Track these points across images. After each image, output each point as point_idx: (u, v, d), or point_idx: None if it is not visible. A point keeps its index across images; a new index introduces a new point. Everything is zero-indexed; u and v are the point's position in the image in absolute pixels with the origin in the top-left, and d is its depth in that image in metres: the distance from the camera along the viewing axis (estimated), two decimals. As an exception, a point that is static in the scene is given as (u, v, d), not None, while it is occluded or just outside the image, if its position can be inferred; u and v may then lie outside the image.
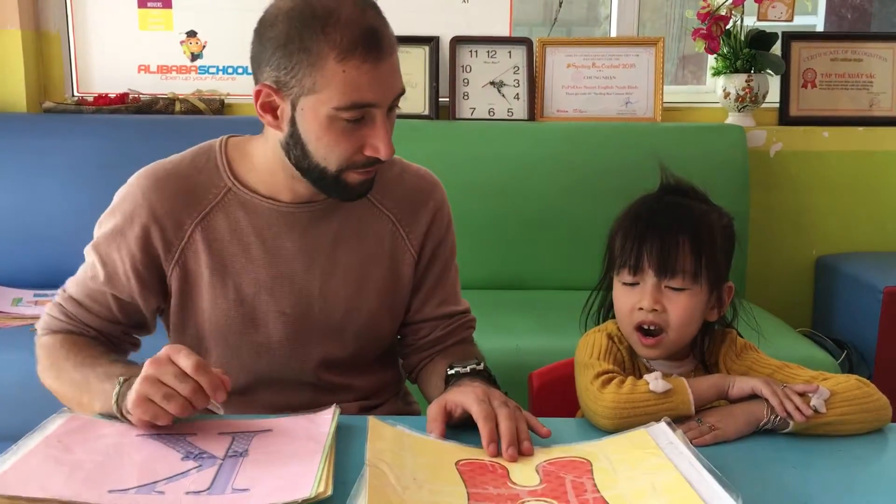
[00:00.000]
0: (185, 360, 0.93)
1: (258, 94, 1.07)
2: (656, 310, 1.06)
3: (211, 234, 1.15)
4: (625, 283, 1.10)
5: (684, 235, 1.06)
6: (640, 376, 1.04)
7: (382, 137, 1.06)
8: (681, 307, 1.06)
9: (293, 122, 1.06)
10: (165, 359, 0.94)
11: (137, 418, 0.95)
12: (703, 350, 1.13)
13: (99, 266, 1.15)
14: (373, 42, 1.02)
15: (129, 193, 1.15)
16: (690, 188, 1.14)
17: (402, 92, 1.08)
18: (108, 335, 1.18)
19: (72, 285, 1.18)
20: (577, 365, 1.10)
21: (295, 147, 1.08)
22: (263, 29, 1.06)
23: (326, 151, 1.07)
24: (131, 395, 0.94)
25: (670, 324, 1.07)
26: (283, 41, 1.02)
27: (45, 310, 1.20)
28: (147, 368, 0.94)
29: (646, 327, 1.08)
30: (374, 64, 1.02)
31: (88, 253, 1.17)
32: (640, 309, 1.07)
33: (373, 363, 1.28)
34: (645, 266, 1.07)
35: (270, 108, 1.08)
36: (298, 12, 1.02)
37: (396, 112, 1.11)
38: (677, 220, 1.08)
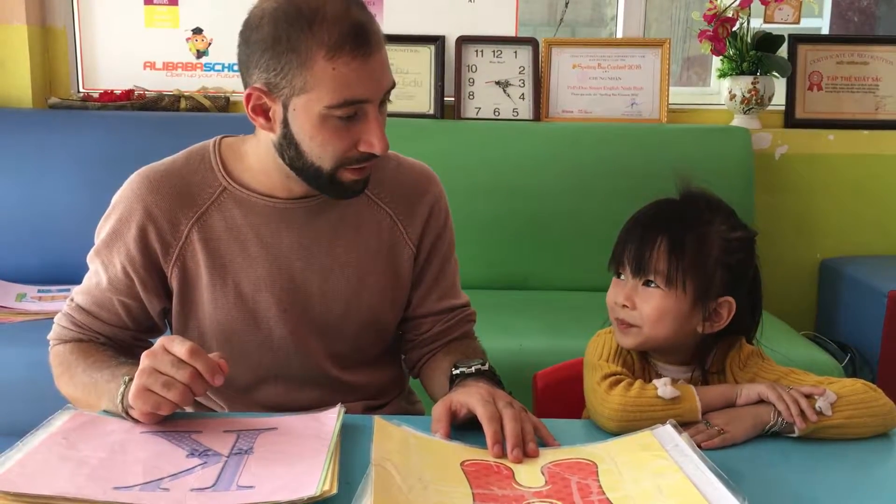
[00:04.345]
0: (180, 347, 0.93)
1: (249, 97, 1.06)
2: (626, 306, 1.08)
3: (208, 233, 1.15)
4: (615, 279, 1.12)
5: (664, 237, 1.06)
6: (649, 380, 1.03)
7: (376, 132, 1.06)
8: (651, 306, 1.07)
9: (286, 122, 1.06)
10: (160, 349, 0.95)
11: (139, 410, 0.95)
12: (705, 362, 1.11)
13: (102, 272, 1.16)
14: (361, 38, 1.01)
15: (124, 196, 1.15)
16: (705, 198, 1.12)
17: (393, 85, 1.08)
18: (119, 341, 1.19)
19: (79, 294, 1.19)
20: (586, 365, 1.10)
21: (289, 148, 1.08)
22: (249, 31, 1.05)
23: (321, 150, 1.06)
24: (131, 389, 0.95)
25: (643, 321, 1.07)
26: (271, 42, 1.02)
27: (55, 320, 1.20)
28: (144, 361, 0.95)
29: (620, 323, 1.10)
30: (364, 60, 1.02)
31: (91, 261, 1.18)
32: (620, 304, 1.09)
33: (376, 359, 1.28)
34: (625, 263, 1.09)
35: (262, 111, 1.07)
36: (283, 12, 1.01)
37: (388, 106, 1.10)
38: (663, 223, 1.08)
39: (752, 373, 1.10)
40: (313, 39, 1.00)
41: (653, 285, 1.07)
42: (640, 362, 1.12)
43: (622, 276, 1.10)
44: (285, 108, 1.05)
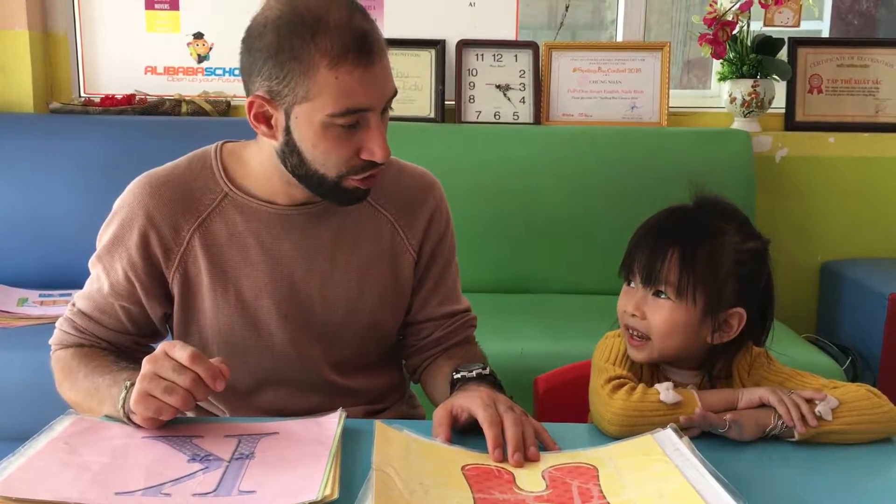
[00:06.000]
0: (181, 352, 0.94)
1: (251, 105, 1.06)
2: (636, 315, 1.07)
3: (209, 239, 1.15)
4: (625, 285, 1.11)
5: (675, 248, 1.05)
6: (657, 383, 1.03)
7: (378, 140, 1.05)
8: (661, 318, 1.06)
9: (288, 130, 1.06)
10: (162, 354, 0.95)
11: (141, 415, 0.95)
12: (713, 368, 1.10)
13: (103, 277, 1.16)
14: (363, 46, 1.01)
15: (126, 201, 1.15)
16: (719, 206, 1.10)
17: (395, 93, 1.08)
18: (120, 346, 1.19)
19: (80, 299, 1.19)
20: (593, 367, 1.10)
21: (291, 155, 1.08)
22: (252, 39, 1.05)
23: (324, 158, 1.06)
24: (133, 394, 0.95)
25: (652, 332, 1.07)
26: (274, 51, 1.01)
27: (56, 325, 1.20)
28: (145, 366, 0.95)
29: (630, 331, 1.09)
30: (366, 68, 1.02)
31: (93, 266, 1.18)
32: (629, 313, 1.08)
33: (377, 364, 1.28)
34: (635, 272, 1.08)
35: (264, 118, 1.07)
36: (286, 20, 1.01)
37: (389, 113, 1.10)
38: (675, 233, 1.07)
39: (758, 375, 1.10)
40: (316, 48, 1.00)
41: (663, 296, 1.06)
42: (649, 366, 1.11)
43: (632, 284, 1.09)
44: (287, 116, 1.05)
